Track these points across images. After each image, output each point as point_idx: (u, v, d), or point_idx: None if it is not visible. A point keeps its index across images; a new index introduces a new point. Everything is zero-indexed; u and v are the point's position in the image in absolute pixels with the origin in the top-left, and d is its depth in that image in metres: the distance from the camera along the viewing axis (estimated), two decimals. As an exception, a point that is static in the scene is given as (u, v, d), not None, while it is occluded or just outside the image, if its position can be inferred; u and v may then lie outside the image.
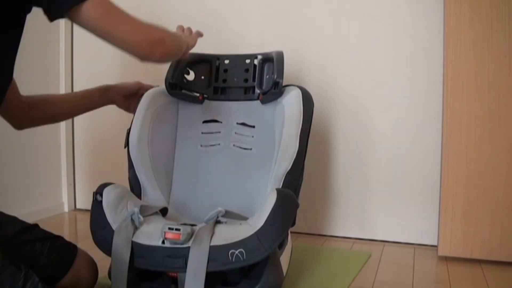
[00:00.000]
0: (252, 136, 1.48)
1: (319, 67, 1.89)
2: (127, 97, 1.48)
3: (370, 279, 1.43)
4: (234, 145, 1.49)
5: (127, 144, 1.41)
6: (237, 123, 1.50)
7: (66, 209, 2.24)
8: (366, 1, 1.82)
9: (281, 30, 1.91)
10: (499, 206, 1.52)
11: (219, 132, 1.51)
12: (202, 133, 1.52)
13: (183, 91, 1.52)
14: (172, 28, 1.33)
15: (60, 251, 1.15)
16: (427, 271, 1.53)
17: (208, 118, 1.53)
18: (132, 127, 1.41)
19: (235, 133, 1.50)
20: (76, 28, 2.20)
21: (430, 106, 1.75)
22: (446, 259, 1.61)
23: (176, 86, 1.49)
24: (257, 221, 1.11)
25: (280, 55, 1.48)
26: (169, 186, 1.46)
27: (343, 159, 1.89)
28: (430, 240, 1.76)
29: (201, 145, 1.51)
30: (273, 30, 1.93)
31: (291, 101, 1.39)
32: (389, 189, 1.84)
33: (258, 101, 1.50)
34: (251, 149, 1.47)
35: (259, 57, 1.52)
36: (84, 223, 2.07)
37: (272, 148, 1.43)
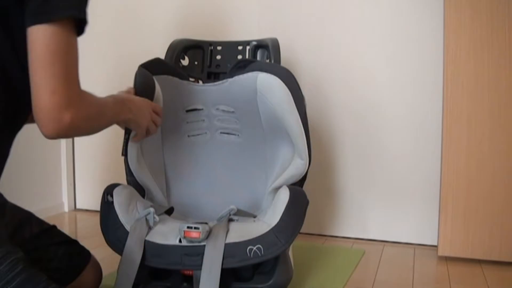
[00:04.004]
0: (235, 122, 1.46)
1: (318, 68, 1.89)
2: None
3: (370, 279, 1.43)
4: (220, 132, 1.47)
5: (125, 154, 1.33)
6: (216, 109, 1.46)
7: (66, 209, 2.24)
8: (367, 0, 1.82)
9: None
10: (499, 206, 1.52)
11: (203, 120, 1.48)
12: (187, 122, 1.49)
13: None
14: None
15: (73, 258, 1.14)
16: (427, 271, 1.53)
17: (190, 107, 1.48)
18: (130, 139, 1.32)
19: (218, 119, 1.48)
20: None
21: (430, 106, 1.75)
22: (446, 259, 1.61)
23: None
24: (272, 217, 1.14)
25: (275, 41, 1.49)
26: (164, 185, 1.46)
27: (343, 160, 1.89)
28: (430, 240, 1.76)
29: (188, 135, 1.49)
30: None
31: (282, 105, 1.27)
32: (389, 189, 1.84)
33: (229, 83, 1.39)
34: (238, 135, 1.46)
35: (252, 43, 1.54)
36: (84, 223, 2.08)
37: (261, 135, 1.41)
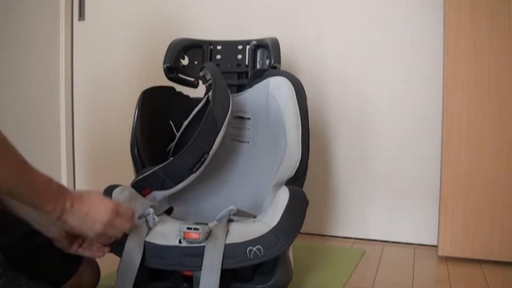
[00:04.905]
0: (249, 129, 1.48)
1: (318, 68, 1.89)
2: (71, 236, 1.04)
3: (370, 279, 1.43)
4: (231, 139, 1.48)
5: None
6: (233, 117, 1.49)
7: (66, 209, 2.24)
8: (367, 0, 1.82)
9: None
10: (499, 206, 1.52)
11: None
12: None
13: (179, 75, 1.55)
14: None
15: (67, 257, 1.13)
16: (427, 271, 1.53)
17: None
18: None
19: (233, 127, 1.49)
20: (77, 31, 2.20)
21: (430, 105, 1.76)
22: (446, 259, 1.61)
23: (173, 70, 1.52)
24: (272, 218, 1.14)
25: (275, 41, 1.49)
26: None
27: (343, 159, 1.89)
28: (430, 240, 1.76)
29: None
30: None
31: (285, 99, 1.34)
32: (389, 189, 1.84)
33: (249, 92, 1.48)
34: (248, 142, 1.48)
35: (252, 43, 1.55)
36: (84, 223, 2.07)
37: (270, 139, 1.42)
